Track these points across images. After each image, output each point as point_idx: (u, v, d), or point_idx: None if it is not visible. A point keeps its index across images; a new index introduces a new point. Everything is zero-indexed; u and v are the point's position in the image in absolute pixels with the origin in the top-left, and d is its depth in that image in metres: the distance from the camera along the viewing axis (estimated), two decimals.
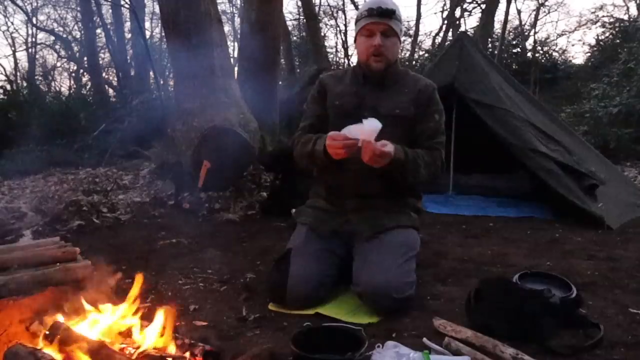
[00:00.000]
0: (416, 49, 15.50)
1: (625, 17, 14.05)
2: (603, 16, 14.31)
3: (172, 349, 1.34)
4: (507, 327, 1.56)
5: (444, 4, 16.50)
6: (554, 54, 14.22)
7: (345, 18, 19.15)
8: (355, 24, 1.96)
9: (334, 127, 1.88)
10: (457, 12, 15.58)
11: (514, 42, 14.66)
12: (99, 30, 15.80)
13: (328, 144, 1.74)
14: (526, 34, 15.63)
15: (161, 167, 5.02)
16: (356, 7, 17.03)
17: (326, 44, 16.87)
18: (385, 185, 1.91)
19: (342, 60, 17.94)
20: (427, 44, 17.19)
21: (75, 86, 17.58)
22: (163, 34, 12.15)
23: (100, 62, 16.84)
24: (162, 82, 11.72)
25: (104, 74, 16.91)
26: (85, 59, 16.56)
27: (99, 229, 3.31)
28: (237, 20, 15.84)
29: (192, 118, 4.15)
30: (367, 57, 1.91)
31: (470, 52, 3.99)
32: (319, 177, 2.08)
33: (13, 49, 18.72)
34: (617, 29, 12.48)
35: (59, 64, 19.28)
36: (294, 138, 2.07)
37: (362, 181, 1.90)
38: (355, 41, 2.00)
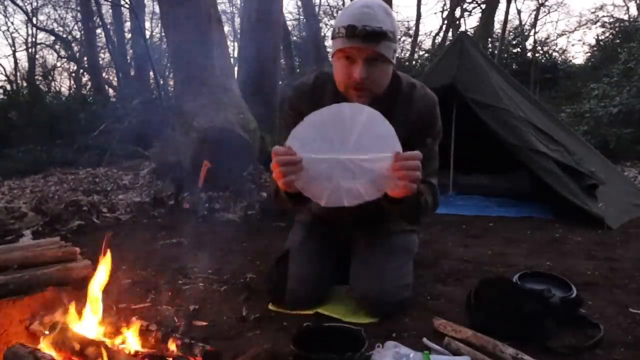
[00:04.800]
0: (416, 49, 15.51)
1: (625, 17, 14.09)
2: (603, 16, 14.38)
3: (172, 347, 1.34)
4: (507, 327, 1.56)
5: (444, 4, 16.54)
6: (554, 54, 14.20)
7: None
8: (332, 39, 1.42)
9: None
10: (457, 12, 15.60)
11: (514, 42, 14.65)
12: (99, 30, 15.84)
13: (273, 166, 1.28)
14: (526, 34, 15.64)
15: (161, 167, 5.02)
16: None
17: (326, 44, 16.86)
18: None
19: None
20: (427, 44, 17.21)
21: (75, 86, 17.62)
22: (163, 34, 12.17)
23: (100, 62, 16.87)
24: (162, 82, 11.73)
25: (104, 74, 16.95)
26: (85, 59, 16.58)
27: (99, 229, 3.30)
28: (237, 20, 15.85)
29: (192, 118, 4.15)
30: (345, 87, 1.45)
31: (470, 52, 3.99)
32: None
33: (13, 49, 18.81)
34: (617, 29, 12.49)
35: (59, 64, 19.34)
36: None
37: (357, 212, 1.51)
38: (331, 58, 1.47)
